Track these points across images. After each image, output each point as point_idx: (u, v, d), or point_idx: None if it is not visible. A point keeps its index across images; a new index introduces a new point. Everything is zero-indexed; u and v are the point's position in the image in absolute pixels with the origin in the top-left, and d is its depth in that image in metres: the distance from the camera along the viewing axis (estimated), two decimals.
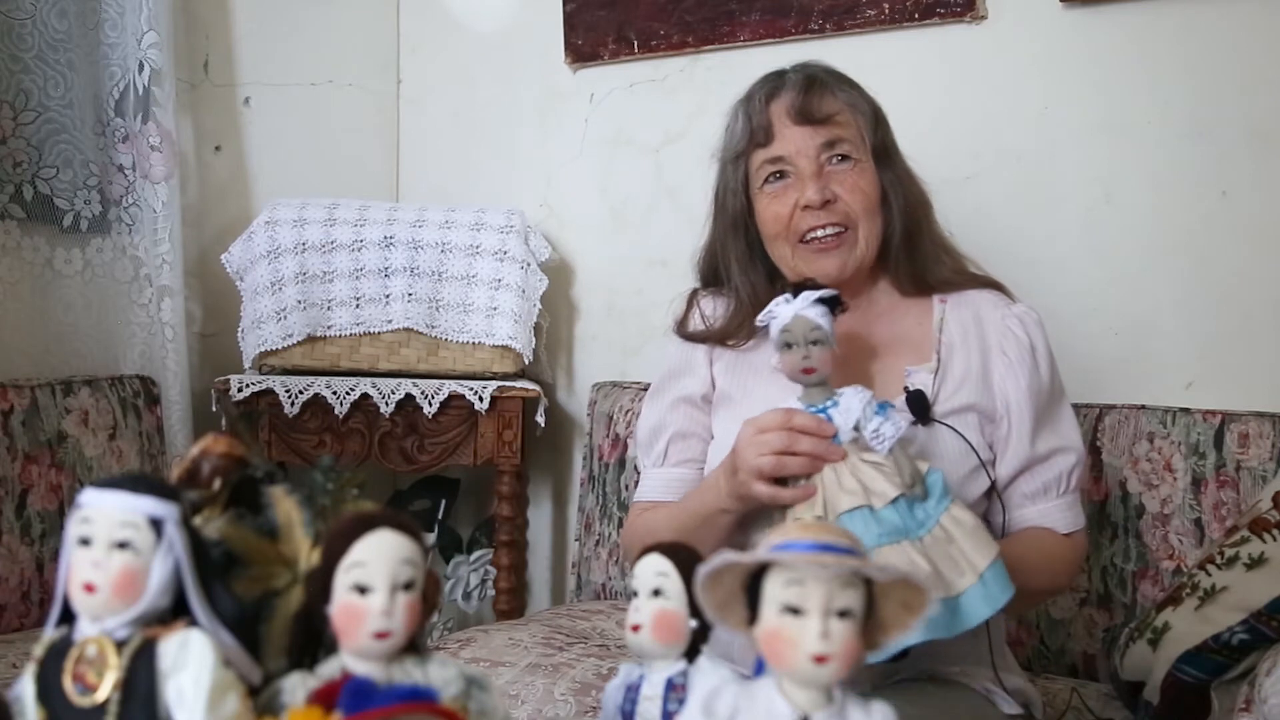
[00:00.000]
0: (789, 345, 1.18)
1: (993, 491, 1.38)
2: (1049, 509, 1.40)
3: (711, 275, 1.56)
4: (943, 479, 1.17)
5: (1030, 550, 1.33)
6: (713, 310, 1.54)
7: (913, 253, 1.46)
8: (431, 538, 2.48)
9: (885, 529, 1.10)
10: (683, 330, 1.55)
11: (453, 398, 2.22)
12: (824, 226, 1.40)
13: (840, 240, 1.41)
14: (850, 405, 1.16)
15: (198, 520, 0.79)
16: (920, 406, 1.29)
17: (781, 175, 1.43)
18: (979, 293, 1.46)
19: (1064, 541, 1.40)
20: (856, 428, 1.15)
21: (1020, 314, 1.43)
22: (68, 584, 0.71)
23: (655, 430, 1.55)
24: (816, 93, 1.43)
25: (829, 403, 1.17)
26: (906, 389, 1.33)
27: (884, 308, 1.48)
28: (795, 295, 1.20)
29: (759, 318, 1.22)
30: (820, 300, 1.19)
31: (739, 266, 1.51)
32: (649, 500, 1.54)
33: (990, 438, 1.39)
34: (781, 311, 1.19)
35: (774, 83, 1.46)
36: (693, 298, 1.57)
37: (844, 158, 1.42)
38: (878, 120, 1.45)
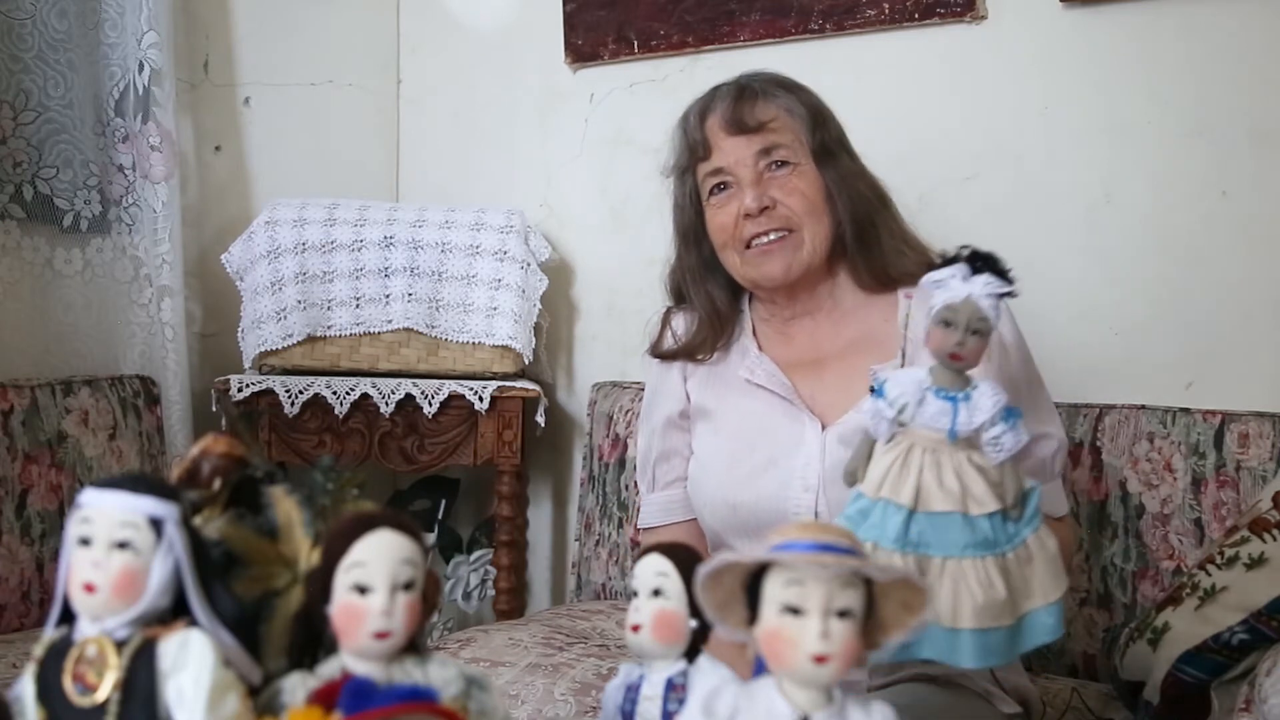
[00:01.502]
0: (947, 324, 1.07)
1: None
2: None
3: (678, 293, 1.59)
4: (1038, 498, 1.12)
5: None
6: (684, 328, 1.56)
7: (869, 248, 1.46)
8: (431, 538, 2.48)
9: (975, 539, 1.06)
10: (655, 350, 1.59)
11: (453, 398, 2.22)
12: (767, 233, 1.43)
13: (783, 242, 1.43)
14: (981, 404, 1.08)
15: (198, 520, 0.79)
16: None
17: (724, 186, 1.46)
18: None
19: (1058, 527, 1.41)
20: (978, 427, 1.08)
21: None
22: (68, 584, 0.71)
23: (645, 455, 1.60)
24: (747, 102, 1.46)
25: (961, 395, 1.08)
26: (872, 387, 1.33)
27: (849, 306, 1.49)
28: (973, 270, 1.09)
29: (925, 279, 1.11)
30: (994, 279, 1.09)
31: (695, 280, 1.54)
32: (649, 526, 1.58)
33: None
34: (955, 287, 1.09)
35: (708, 98, 1.50)
36: (666, 317, 1.60)
37: (782, 163, 1.44)
38: (816, 121, 1.47)
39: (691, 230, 1.53)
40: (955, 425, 1.08)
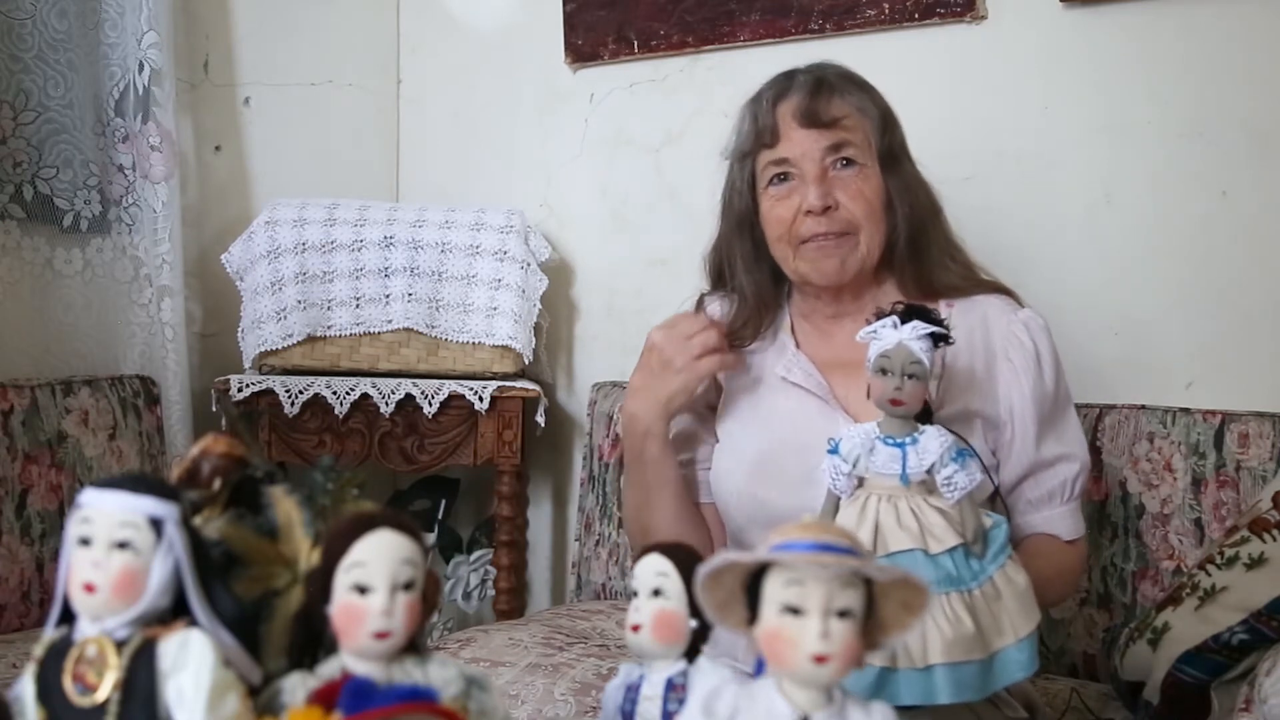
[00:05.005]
0: (884, 372, 1.12)
1: (996, 497, 1.39)
2: (1053, 516, 1.40)
3: (718, 275, 1.57)
4: (1005, 533, 1.14)
5: (1045, 565, 1.33)
6: (720, 313, 1.54)
7: (918, 257, 1.45)
8: (431, 538, 2.48)
9: (939, 576, 1.08)
10: None
11: (453, 398, 2.22)
12: (825, 235, 1.41)
13: (840, 242, 1.41)
14: (929, 447, 1.12)
15: (198, 520, 0.79)
16: (922, 413, 1.29)
17: (786, 177, 1.43)
18: (986, 298, 1.45)
19: (1070, 549, 1.41)
20: (930, 470, 1.12)
21: (1026, 319, 1.43)
22: (68, 584, 0.71)
23: None
24: (824, 96, 1.43)
25: (908, 439, 1.12)
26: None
27: None
28: (903, 320, 1.14)
29: (860, 334, 1.17)
30: (928, 333, 1.14)
31: (744, 265, 1.51)
32: None
33: (994, 444, 1.39)
34: (886, 335, 1.14)
35: (783, 84, 1.46)
36: (700, 302, 1.58)
37: (849, 162, 1.42)
38: (886, 124, 1.45)
39: (745, 216, 1.49)
40: (905, 469, 1.12)
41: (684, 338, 1.44)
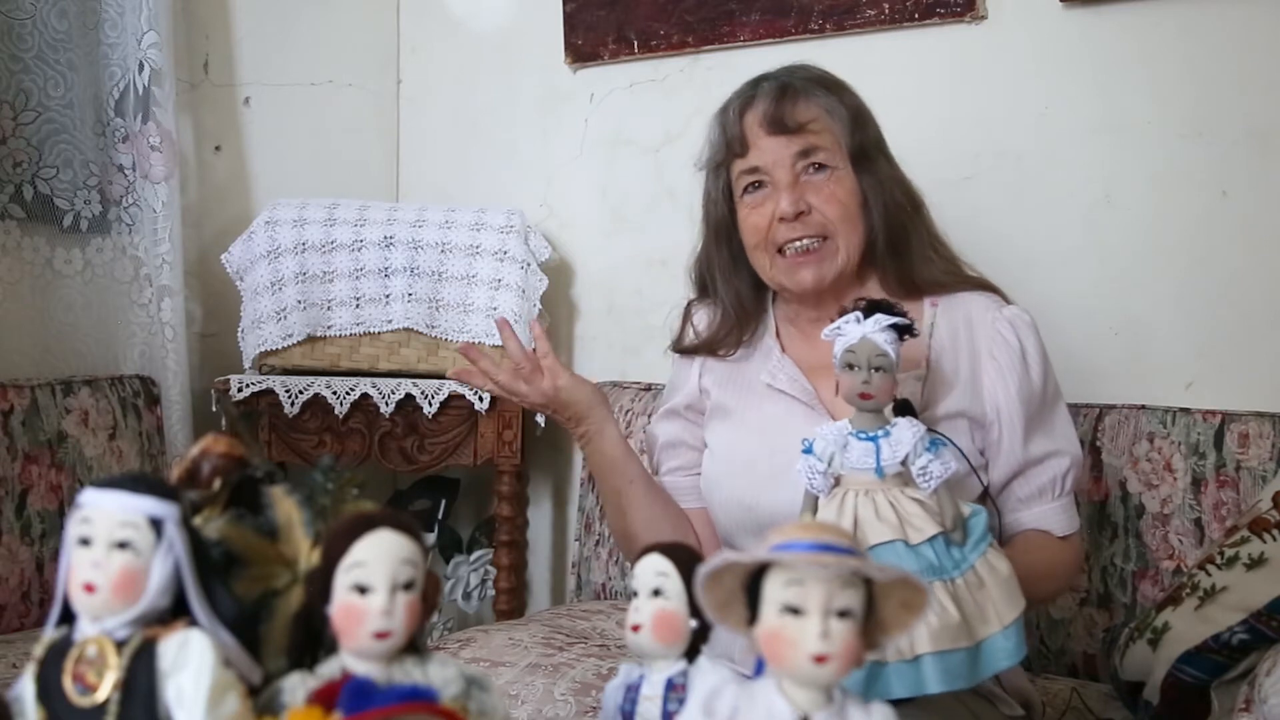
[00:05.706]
0: (851, 366, 1.14)
1: (985, 496, 1.38)
2: (1045, 512, 1.40)
3: (702, 285, 1.58)
4: (984, 521, 1.15)
5: (1036, 560, 1.33)
6: (705, 322, 1.55)
7: (899, 255, 1.45)
8: (431, 538, 2.48)
9: (920, 566, 1.08)
10: (677, 345, 1.58)
11: (453, 397, 2.22)
12: (800, 239, 1.41)
13: (819, 252, 1.41)
14: (901, 438, 1.12)
15: (198, 520, 0.79)
16: (907, 414, 1.29)
17: (759, 185, 1.44)
18: (971, 295, 1.45)
19: (1063, 545, 1.41)
20: (904, 461, 1.12)
21: (1011, 317, 1.42)
22: (68, 584, 0.71)
23: (650, 444, 1.61)
24: (789, 101, 1.42)
25: (880, 431, 1.13)
26: (894, 396, 1.34)
27: None
28: (866, 315, 1.15)
29: (825, 332, 1.18)
30: (891, 325, 1.15)
31: (722, 275, 1.52)
32: None
33: (981, 443, 1.39)
34: (850, 330, 1.15)
35: (749, 92, 1.47)
36: (687, 311, 1.59)
37: (820, 166, 1.42)
38: (856, 124, 1.44)
39: (722, 225, 1.50)
40: (880, 462, 1.12)
41: (522, 387, 1.49)
